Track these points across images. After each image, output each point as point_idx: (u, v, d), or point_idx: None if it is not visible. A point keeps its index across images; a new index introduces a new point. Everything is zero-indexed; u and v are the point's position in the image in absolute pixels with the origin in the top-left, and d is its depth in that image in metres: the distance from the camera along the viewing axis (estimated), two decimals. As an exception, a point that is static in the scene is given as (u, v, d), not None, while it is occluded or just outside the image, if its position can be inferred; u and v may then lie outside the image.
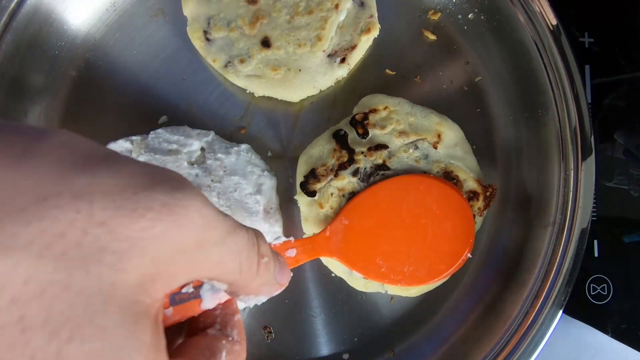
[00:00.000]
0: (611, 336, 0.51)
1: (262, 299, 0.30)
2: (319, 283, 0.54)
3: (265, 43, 0.54)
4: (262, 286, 0.29)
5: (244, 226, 0.26)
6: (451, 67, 0.56)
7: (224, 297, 0.28)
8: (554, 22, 0.51)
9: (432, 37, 0.56)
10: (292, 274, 0.33)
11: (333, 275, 0.53)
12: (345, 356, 0.53)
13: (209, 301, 0.27)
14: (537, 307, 0.49)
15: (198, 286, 0.27)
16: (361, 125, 0.53)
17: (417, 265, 0.50)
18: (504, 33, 0.54)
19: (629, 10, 0.56)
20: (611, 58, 0.56)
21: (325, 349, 0.53)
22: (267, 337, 0.53)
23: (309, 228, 0.53)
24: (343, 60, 0.54)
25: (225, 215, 0.25)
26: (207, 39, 0.54)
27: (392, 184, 0.51)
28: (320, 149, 0.54)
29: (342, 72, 0.55)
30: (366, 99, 0.55)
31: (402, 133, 0.53)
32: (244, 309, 0.53)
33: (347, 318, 0.54)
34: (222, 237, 0.24)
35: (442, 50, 0.56)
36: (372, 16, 0.55)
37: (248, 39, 0.54)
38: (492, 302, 0.53)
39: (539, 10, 0.51)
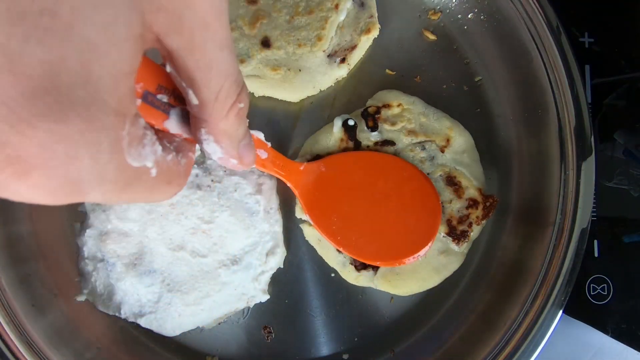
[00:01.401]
0: (611, 336, 0.51)
1: (218, 155, 0.30)
2: (318, 283, 0.54)
3: (265, 43, 0.54)
4: (225, 137, 0.28)
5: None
6: (451, 67, 0.56)
7: (185, 133, 0.29)
8: (554, 22, 0.51)
9: (432, 37, 0.56)
10: (254, 164, 0.35)
11: (333, 275, 0.53)
12: (345, 356, 0.53)
13: (173, 125, 0.28)
14: (537, 307, 0.49)
15: (171, 105, 0.28)
16: (372, 118, 0.53)
17: (367, 240, 0.50)
18: (504, 33, 0.54)
19: (629, 10, 0.56)
20: (611, 58, 0.56)
21: (325, 349, 0.53)
22: (267, 337, 0.53)
23: (303, 213, 0.53)
24: (343, 60, 0.54)
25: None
26: (207, 39, 0.54)
27: (380, 158, 0.52)
28: (328, 136, 0.54)
29: (342, 72, 0.55)
30: (381, 94, 0.55)
31: (411, 132, 0.53)
32: (244, 308, 0.53)
33: (346, 318, 0.54)
34: (224, 39, 0.24)
35: (442, 50, 0.56)
36: (372, 16, 0.55)
37: (248, 39, 0.54)
38: (492, 302, 0.53)
39: (539, 11, 0.51)
